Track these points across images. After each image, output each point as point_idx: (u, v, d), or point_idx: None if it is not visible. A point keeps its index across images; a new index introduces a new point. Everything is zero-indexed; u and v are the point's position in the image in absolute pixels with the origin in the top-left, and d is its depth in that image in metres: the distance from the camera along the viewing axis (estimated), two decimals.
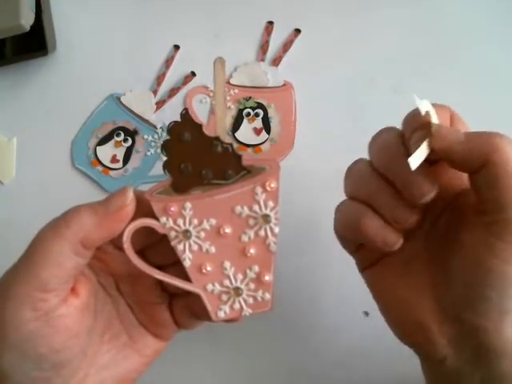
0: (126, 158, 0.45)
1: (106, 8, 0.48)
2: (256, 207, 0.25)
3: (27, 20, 0.42)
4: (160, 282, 0.29)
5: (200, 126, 0.25)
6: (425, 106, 0.27)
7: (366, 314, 0.39)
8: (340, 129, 0.44)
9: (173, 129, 0.25)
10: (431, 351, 0.26)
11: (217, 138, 0.26)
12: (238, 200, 0.25)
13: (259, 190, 0.25)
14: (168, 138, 0.26)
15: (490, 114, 0.44)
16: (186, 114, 0.25)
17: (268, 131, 0.44)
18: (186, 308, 0.29)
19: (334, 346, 0.40)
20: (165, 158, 0.26)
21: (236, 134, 0.44)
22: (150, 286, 0.28)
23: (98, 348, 0.27)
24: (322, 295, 0.41)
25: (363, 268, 0.30)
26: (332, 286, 0.40)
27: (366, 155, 0.29)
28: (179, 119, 0.26)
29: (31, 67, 0.47)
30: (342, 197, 0.29)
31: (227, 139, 0.26)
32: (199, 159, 0.26)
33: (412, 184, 0.25)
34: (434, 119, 0.26)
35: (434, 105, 0.28)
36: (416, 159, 0.24)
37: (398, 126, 0.28)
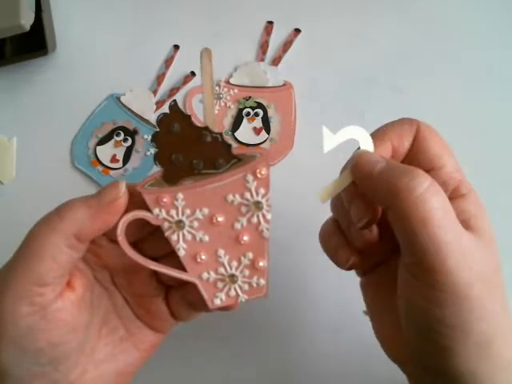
0: (126, 157, 0.45)
1: (106, 8, 0.48)
2: (248, 195, 0.25)
3: (27, 20, 0.42)
4: (155, 275, 0.29)
5: (189, 116, 0.26)
6: (350, 133, 0.27)
7: (366, 313, 0.39)
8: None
9: (162, 120, 0.26)
10: (405, 370, 0.27)
11: (206, 128, 0.26)
12: (230, 188, 0.25)
13: (250, 177, 0.25)
14: (158, 129, 0.26)
15: (490, 113, 0.44)
16: (174, 106, 0.26)
17: (268, 131, 0.44)
18: (182, 299, 0.29)
19: (333, 346, 0.40)
20: (155, 150, 0.26)
21: (236, 134, 0.44)
22: (146, 278, 0.28)
23: (96, 342, 0.27)
24: (322, 294, 0.41)
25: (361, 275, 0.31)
26: (332, 285, 0.40)
27: None
28: (168, 111, 0.26)
29: (31, 67, 0.47)
30: None
31: (216, 129, 0.26)
32: (189, 150, 0.26)
33: (349, 211, 0.27)
34: (364, 146, 0.26)
35: (396, 121, 0.27)
36: (327, 190, 0.26)
37: None
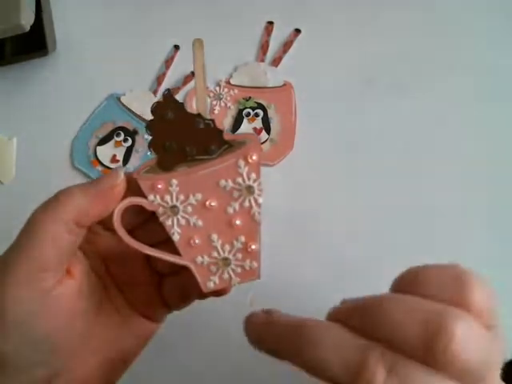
0: (126, 157, 0.45)
1: (106, 8, 0.48)
2: (239, 179, 0.26)
3: (27, 20, 0.42)
4: (149, 263, 0.29)
5: (182, 104, 0.26)
6: None
7: None
8: (340, 129, 0.44)
9: (156, 109, 0.26)
10: None
11: (199, 115, 0.26)
12: (222, 174, 0.26)
13: (242, 163, 0.26)
14: (152, 118, 0.26)
15: (490, 113, 0.44)
16: (168, 94, 0.26)
17: (268, 131, 0.45)
18: (175, 288, 0.29)
19: None
20: (150, 138, 0.26)
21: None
22: (139, 266, 0.29)
23: (93, 331, 0.27)
24: (323, 295, 0.41)
25: None
26: (333, 285, 0.40)
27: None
28: (162, 99, 0.26)
29: (31, 67, 0.47)
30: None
31: (208, 115, 0.26)
32: (183, 137, 0.26)
33: None
34: None
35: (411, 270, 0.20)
36: None
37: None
